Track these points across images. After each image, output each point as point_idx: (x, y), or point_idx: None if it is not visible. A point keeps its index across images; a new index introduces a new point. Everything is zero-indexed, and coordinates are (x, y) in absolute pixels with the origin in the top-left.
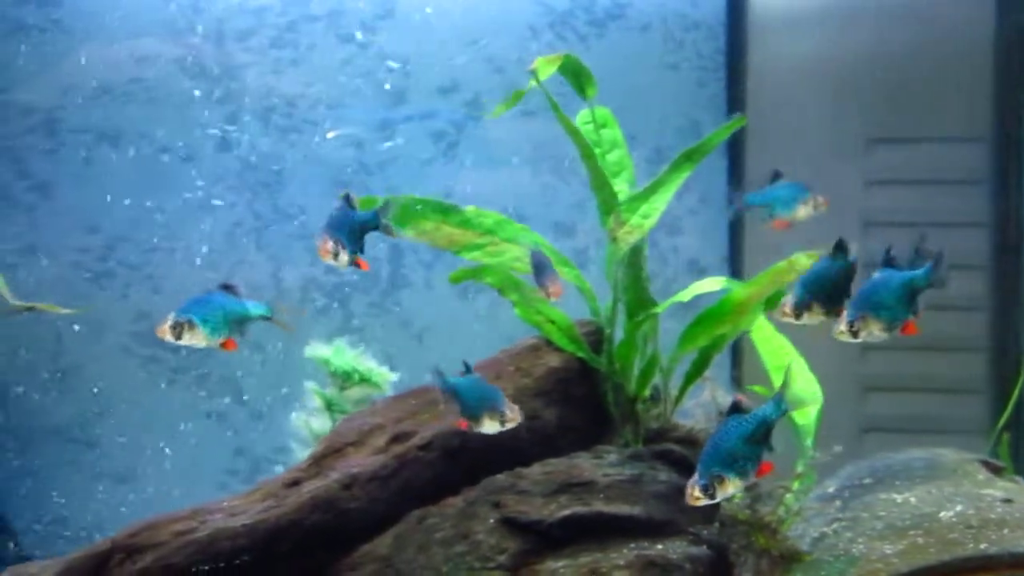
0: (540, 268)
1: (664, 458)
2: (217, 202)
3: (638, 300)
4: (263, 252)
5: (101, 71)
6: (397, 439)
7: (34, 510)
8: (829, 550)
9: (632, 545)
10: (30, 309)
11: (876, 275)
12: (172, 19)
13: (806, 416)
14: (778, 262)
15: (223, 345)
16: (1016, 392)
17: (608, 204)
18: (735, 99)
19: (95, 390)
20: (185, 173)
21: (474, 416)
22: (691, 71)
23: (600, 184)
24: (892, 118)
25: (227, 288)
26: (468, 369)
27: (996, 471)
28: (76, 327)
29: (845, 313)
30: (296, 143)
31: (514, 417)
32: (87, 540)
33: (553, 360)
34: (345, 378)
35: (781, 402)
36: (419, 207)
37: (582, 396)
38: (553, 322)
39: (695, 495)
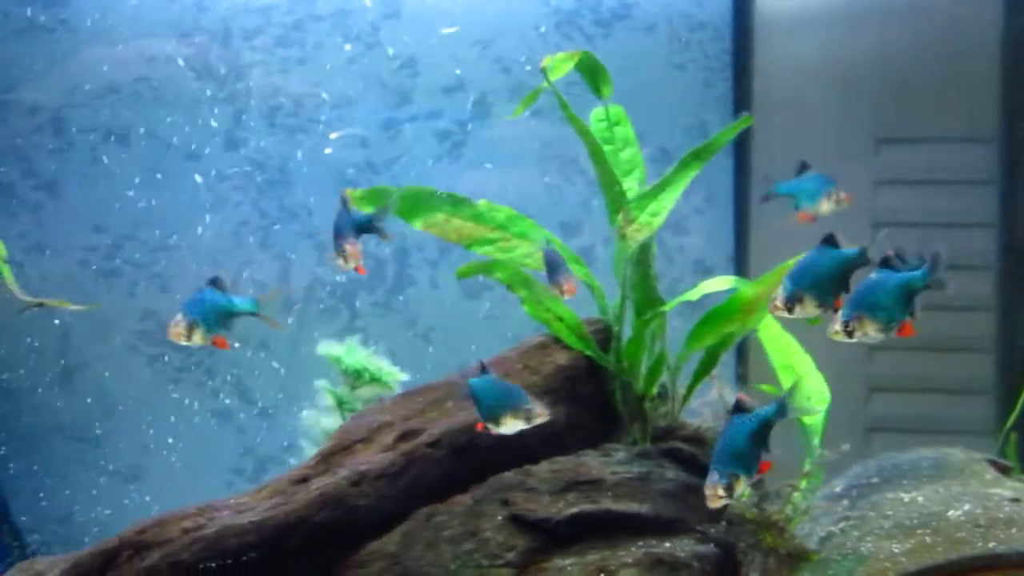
0: (554, 266)
1: (672, 456)
2: (223, 201)
3: (646, 298)
4: (269, 251)
5: (108, 70)
6: (405, 436)
7: (40, 508)
8: (837, 549)
9: (640, 543)
10: (39, 305)
11: (873, 275)
12: (178, 18)
13: (813, 415)
14: (785, 261)
15: (214, 342)
16: None
17: (617, 202)
18: (741, 99)
19: (102, 388)
20: (191, 172)
21: (494, 417)
22: (697, 71)
23: (609, 182)
24: (900, 118)
25: (215, 283)
26: (484, 370)
27: (1004, 471)
28: (82, 325)
29: (840, 312)
30: (302, 142)
31: (542, 413)
32: (93, 538)
33: (561, 358)
34: (356, 377)
35: (784, 407)
36: (430, 198)
37: (590, 394)
38: (561, 320)
39: (718, 494)
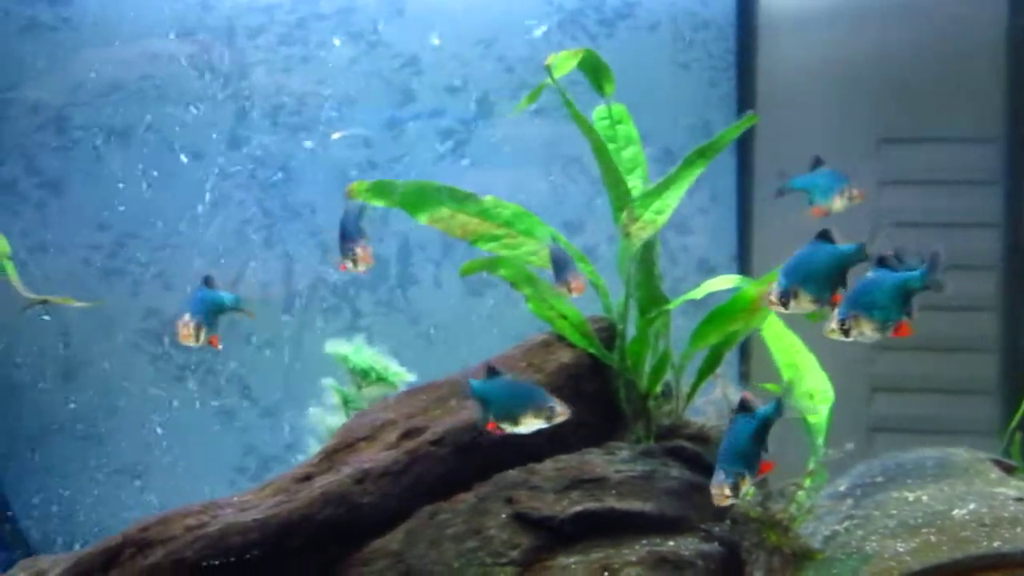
0: (561, 263)
1: (676, 455)
2: (226, 200)
3: (650, 297)
4: (272, 250)
5: (111, 68)
6: (409, 434)
7: (42, 506)
8: (841, 548)
9: (644, 541)
10: (44, 303)
11: (869, 274)
12: (181, 17)
13: (818, 414)
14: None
15: (211, 341)
16: None
17: (621, 200)
18: (745, 98)
19: (104, 387)
20: (194, 170)
21: (512, 416)
22: (701, 70)
23: (613, 180)
24: (904, 118)
25: (207, 282)
26: (493, 372)
27: (1008, 470)
28: (85, 324)
29: (836, 311)
30: (306, 141)
31: (563, 412)
32: (95, 537)
33: (565, 356)
34: (363, 376)
35: (780, 405)
36: (436, 193)
37: (594, 392)
38: (565, 317)
39: (724, 494)
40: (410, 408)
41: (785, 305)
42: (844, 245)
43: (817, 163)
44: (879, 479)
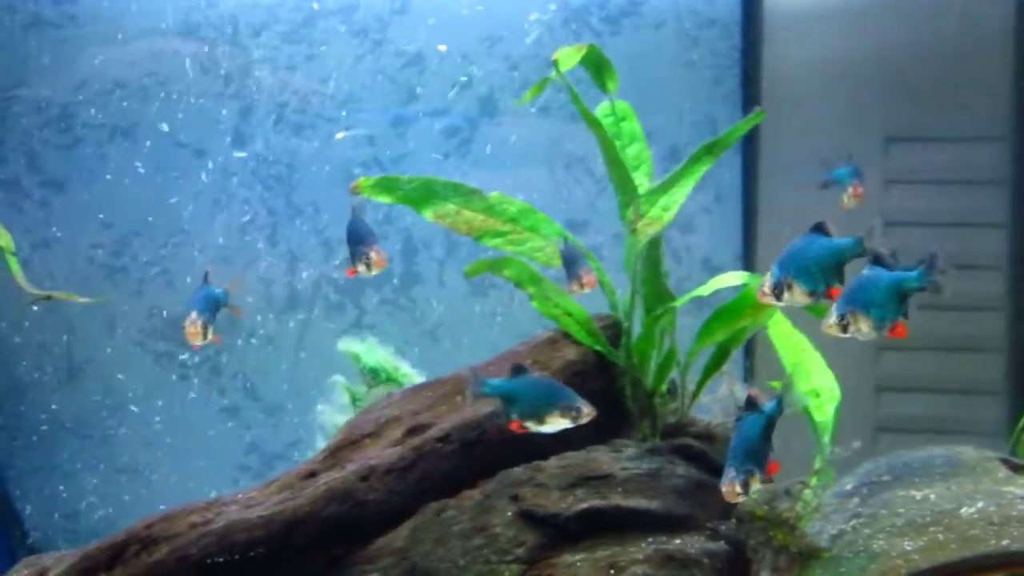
0: (572, 259)
1: (682, 453)
2: (230, 198)
3: (656, 294)
4: (276, 248)
5: (115, 66)
6: (414, 431)
7: (46, 504)
8: (848, 546)
9: (650, 539)
10: (48, 298)
11: (865, 271)
12: (186, 14)
13: (824, 413)
14: None
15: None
16: None
17: (627, 196)
18: (751, 96)
19: (108, 385)
20: (199, 168)
21: (537, 416)
22: (706, 68)
23: (620, 176)
24: (910, 117)
25: (207, 278)
26: (520, 370)
27: (1016, 469)
28: (89, 322)
29: (835, 306)
30: (310, 139)
31: (589, 412)
32: (99, 535)
33: (570, 353)
34: (373, 376)
35: (780, 402)
36: (442, 189)
37: (599, 390)
38: (571, 315)
39: (736, 491)
40: (415, 405)
41: (778, 297)
42: (840, 239)
43: (849, 158)
44: (886, 478)
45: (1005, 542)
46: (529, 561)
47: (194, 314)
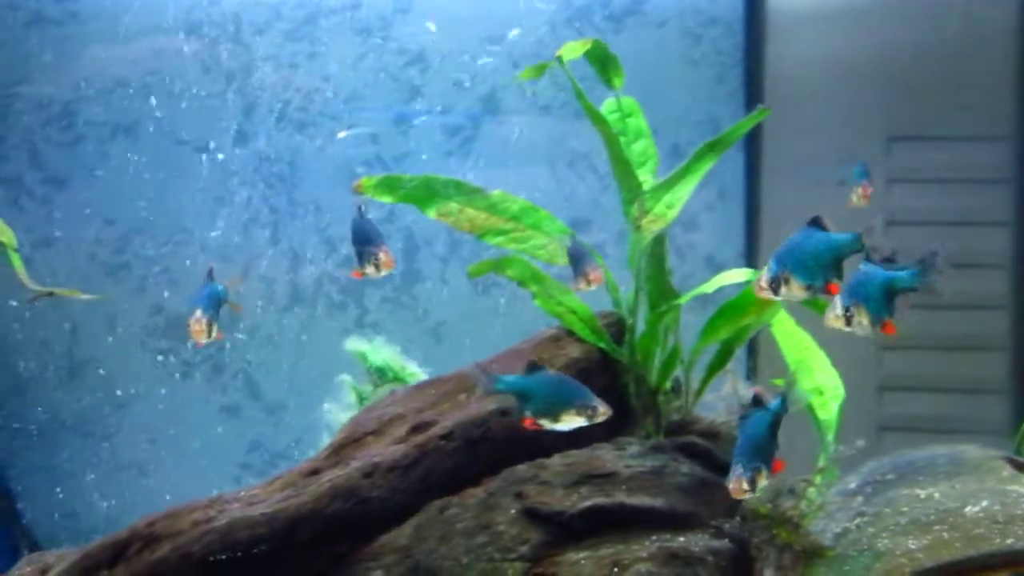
0: (578, 256)
1: (686, 451)
2: (232, 195)
3: (660, 291)
4: (278, 246)
5: (117, 64)
6: (418, 429)
7: (48, 503)
8: (852, 545)
9: (654, 537)
10: (49, 295)
11: (861, 267)
12: (188, 12)
13: (828, 411)
14: None
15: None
16: None
17: (632, 193)
18: (754, 95)
19: (110, 383)
20: (201, 166)
21: (552, 414)
22: (709, 67)
23: (624, 173)
24: (913, 115)
25: (210, 275)
26: (535, 367)
27: (1021, 468)
28: (91, 320)
29: (838, 299)
30: (312, 137)
31: (605, 411)
32: (101, 533)
33: (574, 351)
34: (380, 375)
35: (785, 400)
36: (445, 187)
37: (603, 387)
38: (574, 312)
39: (743, 488)
40: (418, 402)
41: (776, 291)
42: (839, 234)
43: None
44: (890, 476)
45: (1010, 540)
46: (533, 559)
47: (199, 312)
